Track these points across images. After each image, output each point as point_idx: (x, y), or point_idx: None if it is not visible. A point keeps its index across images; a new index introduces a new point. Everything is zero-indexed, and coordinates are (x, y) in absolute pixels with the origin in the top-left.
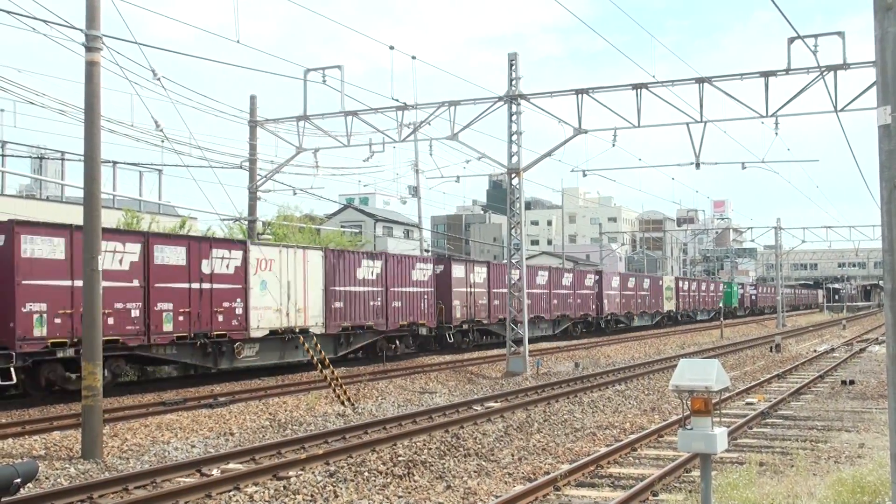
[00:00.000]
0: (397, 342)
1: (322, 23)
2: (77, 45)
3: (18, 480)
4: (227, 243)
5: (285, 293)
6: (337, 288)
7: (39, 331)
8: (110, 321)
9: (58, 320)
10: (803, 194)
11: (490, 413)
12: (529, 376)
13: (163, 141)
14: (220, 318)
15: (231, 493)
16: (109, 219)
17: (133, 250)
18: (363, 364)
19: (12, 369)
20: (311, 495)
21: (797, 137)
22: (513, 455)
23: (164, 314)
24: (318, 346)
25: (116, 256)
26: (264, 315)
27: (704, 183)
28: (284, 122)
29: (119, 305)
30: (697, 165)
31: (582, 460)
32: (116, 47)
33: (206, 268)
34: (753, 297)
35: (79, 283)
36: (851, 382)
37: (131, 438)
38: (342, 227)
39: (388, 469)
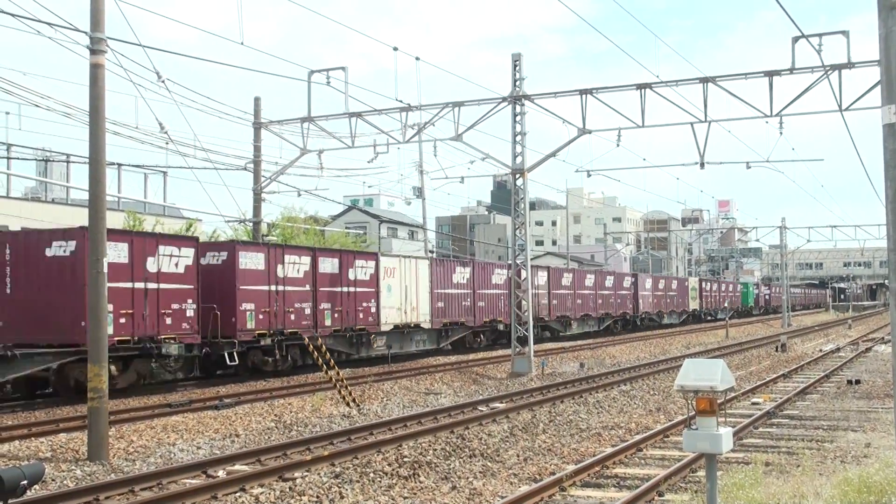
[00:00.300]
0: (481, 336)
1: (325, 24)
2: (81, 48)
3: (25, 482)
4: (365, 255)
5: (404, 295)
6: (439, 290)
7: (251, 324)
8: (292, 318)
9: (261, 316)
10: (808, 194)
11: (495, 414)
12: (534, 377)
13: (167, 143)
14: (361, 315)
15: (237, 494)
16: (113, 221)
17: (306, 262)
18: (455, 353)
19: (235, 353)
20: (317, 496)
21: (802, 137)
22: (518, 456)
23: (326, 312)
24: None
25: (296, 267)
26: (390, 313)
27: (709, 183)
28: (288, 124)
29: (298, 305)
30: (702, 165)
31: (587, 461)
32: (121, 50)
33: (351, 275)
34: (767, 297)
35: (273, 287)
36: (857, 382)
37: (137, 440)
38: (346, 228)
39: (393, 470)
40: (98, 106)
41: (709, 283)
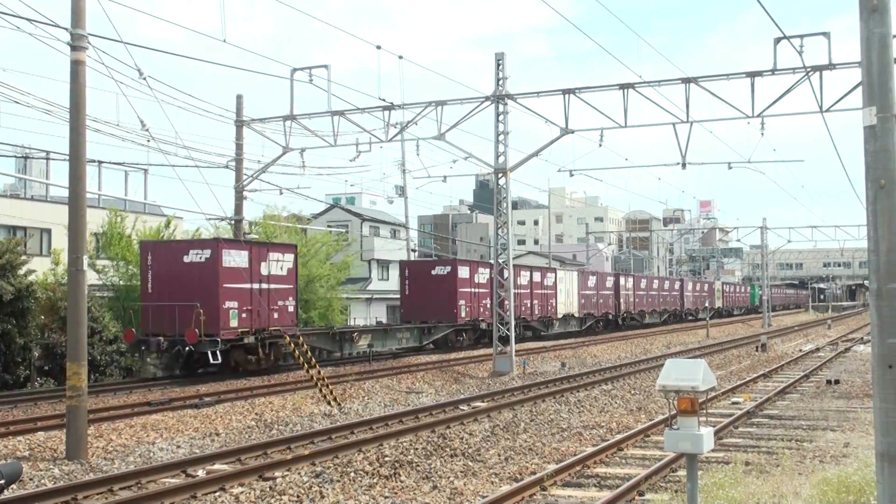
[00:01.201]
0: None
1: (309, 22)
2: (62, 45)
3: (2, 482)
4: (479, 264)
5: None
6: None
7: (234, 322)
8: (276, 316)
9: (244, 315)
10: (789, 194)
11: (476, 413)
12: (516, 376)
13: (148, 140)
14: (481, 309)
15: (217, 493)
16: (94, 218)
17: (445, 271)
18: (436, 352)
19: (218, 352)
20: (297, 496)
21: (783, 138)
22: (499, 455)
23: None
24: (306, 346)
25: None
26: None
27: (691, 183)
28: (271, 122)
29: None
30: (684, 165)
31: (568, 460)
32: (102, 46)
33: (478, 279)
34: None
35: (255, 286)
36: (836, 382)
37: (116, 439)
38: (329, 226)
39: (374, 469)
40: (79, 103)
41: (729, 286)
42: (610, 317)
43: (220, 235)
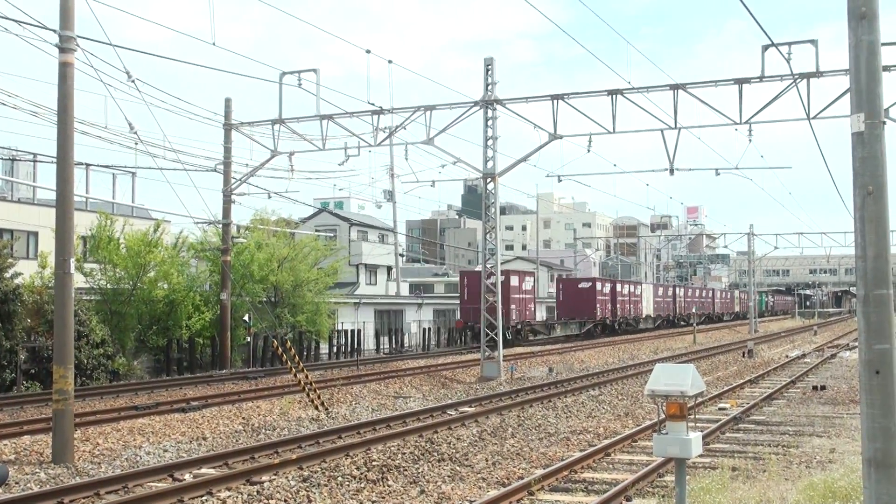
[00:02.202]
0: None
1: (298, 26)
2: (50, 46)
3: None
4: (600, 280)
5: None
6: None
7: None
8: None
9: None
10: (776, 201)
11: (464, 418)
12: (503, 381)
13: (136, 143)
14: (609, 309)
15: (203, 498)
16: (82, 221)
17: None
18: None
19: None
20: (285, 500)
21: (771, 145)
22: (487, 460)
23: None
24: (290, 349)
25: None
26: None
27: (678, 189)
28: (259, 126)
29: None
30: (671, 171)
31: (556, 465)
32: (90, 48)
33: (600, 288)
34: (771, 303)
35: (521, 296)
36: (823, 388)
37: (103, 443)
38: (317, 230)
39: (361, 474)
40: (67, 105)
41: (744, 294)
42: (670, 317)
43: (208, 239)
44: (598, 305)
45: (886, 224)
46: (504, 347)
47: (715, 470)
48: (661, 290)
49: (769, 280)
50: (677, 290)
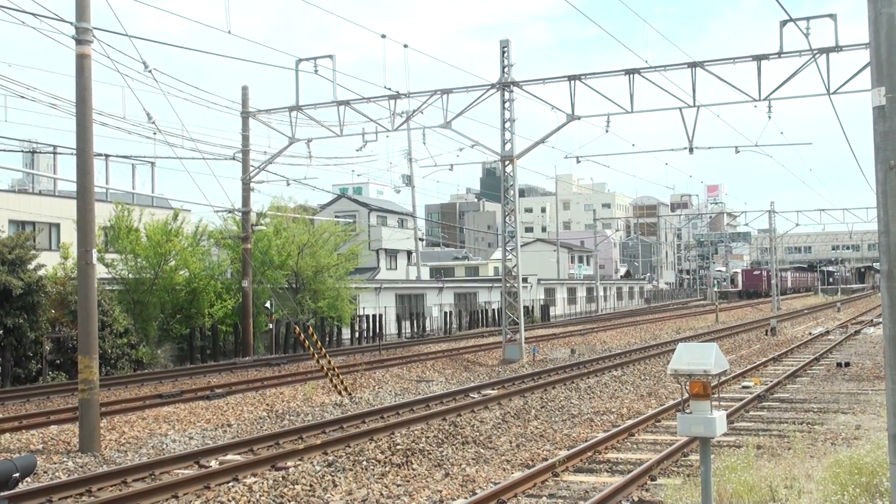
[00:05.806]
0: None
1: (313, 13)
2: (67, 39)
3: (17, 475)
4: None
5: None
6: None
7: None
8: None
9: None
10: (797, 177)
11: (487, 400)
12: (526, 363)
13: (155, 133)
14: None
15: (230, 484)
16: (102, 212)
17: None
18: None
19: None
20: (310, 485)
21: (790, 121)
22: (510, 442)
23: None
24: (314, 337)
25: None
26: None
27: (698, 168)
28: (277, 113)
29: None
30: (691, 150)
31: (580, 446)
32: (107, 40)
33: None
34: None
35: None
36: (847, 365)
37: (129, 431)
38: (336, 217)
39: (386, 458)
40: (85, 96)
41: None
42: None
43: (228, 227)
44: (762, 282)
45: None
46: (525, 330)
47: (740, 448)
48: (764, 273)
49: (791, 257)
50: (782, 273)
